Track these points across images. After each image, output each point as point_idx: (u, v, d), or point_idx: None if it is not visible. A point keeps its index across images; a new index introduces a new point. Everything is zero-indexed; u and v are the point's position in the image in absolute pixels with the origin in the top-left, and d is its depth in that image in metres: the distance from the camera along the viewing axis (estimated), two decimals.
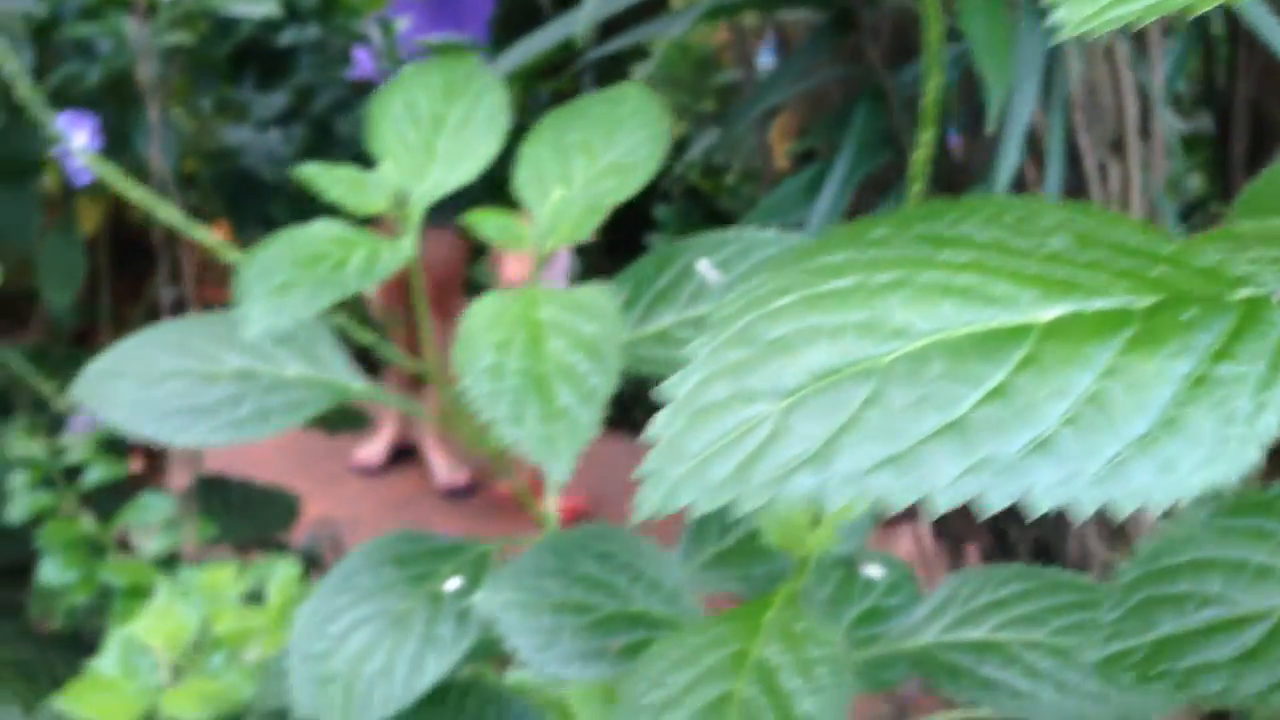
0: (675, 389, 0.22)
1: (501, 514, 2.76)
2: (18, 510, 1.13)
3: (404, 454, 3.01)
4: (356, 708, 0.43)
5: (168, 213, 0.54)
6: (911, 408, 0.20)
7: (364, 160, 0.49)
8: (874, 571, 0.47)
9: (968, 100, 0.94)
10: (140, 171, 1.52)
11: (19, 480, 1.14)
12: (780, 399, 0.21)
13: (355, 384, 0.47)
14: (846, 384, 0.21)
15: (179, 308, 2.67)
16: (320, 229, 0.41)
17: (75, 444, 1.17)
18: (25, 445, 1.15)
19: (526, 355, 0.39)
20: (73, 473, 1.18)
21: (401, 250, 0.41)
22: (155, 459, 1.94)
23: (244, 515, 1.80)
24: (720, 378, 0.22)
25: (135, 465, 1.74)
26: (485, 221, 0.43)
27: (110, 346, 1.58)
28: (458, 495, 2.86)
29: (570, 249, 2.56)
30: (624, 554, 0.43)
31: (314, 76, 1.71)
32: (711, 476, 0.21)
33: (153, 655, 0.93)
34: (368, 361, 2.93)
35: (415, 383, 3.00)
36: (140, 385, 0.47)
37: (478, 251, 2.81)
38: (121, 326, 2.03)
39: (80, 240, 1.58)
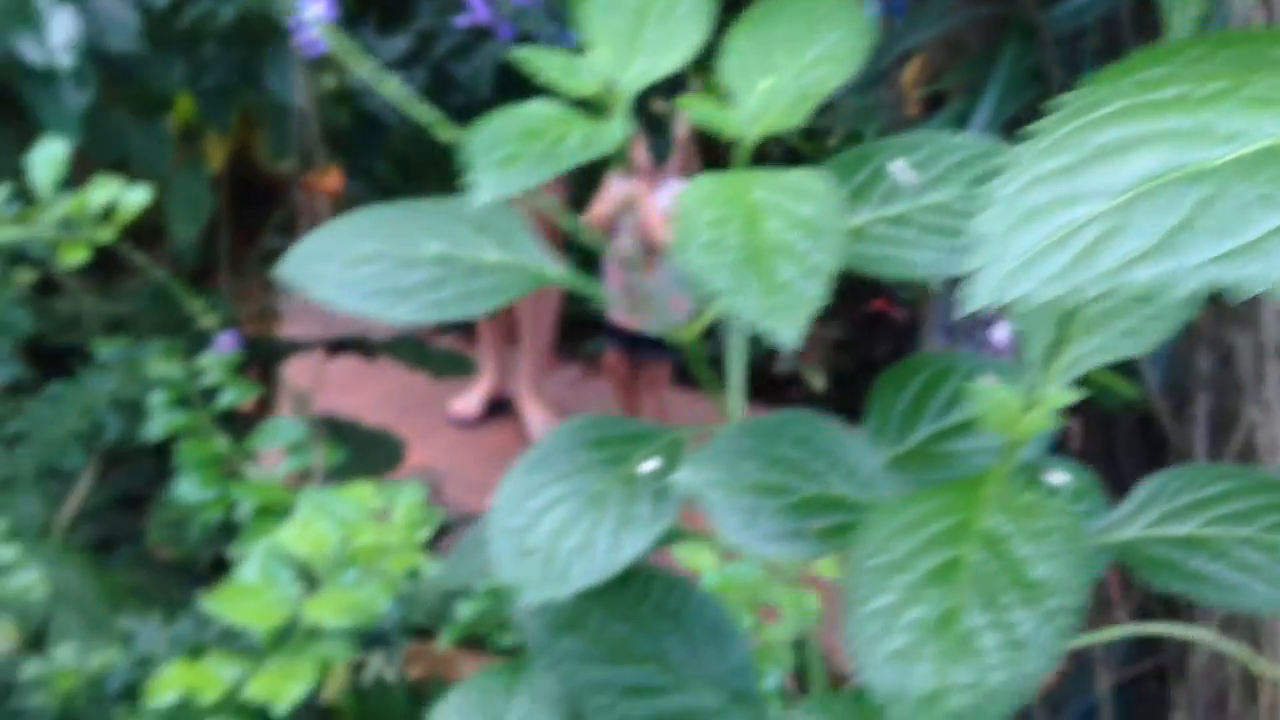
0: (999, 190, 0.22)
1: None
2: (156, 428, 1.17)
3: (499, 407, 3.05)
4: (555, 578, 0.44)
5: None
6: (1248, 207, 0.20)
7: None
8: (1058, 478, 0.47)
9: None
10: (271, 110, 1.55)
11: (158, 399, 1.18)
12: (1110, 200, 0.21)
13: (552, 270, 0.48)
14: (1178, 186, 0.21)
15: (267, 262, 2.71)
16: (539, 108, 0.42)
17: (211, 366, 1.21)
18: (164, 366, 1.18)
19: (743, 233, 0.40)
20: (208, 395, 1.21)
21: (614, 132, 0.42)
22: (265, 397, 1.99)
23: (352, 455, 1.83)
24: (1045, 182, 0.22)
25: (245, 404, 1.78)
26: (695, 106, 0.44)
27: (228, 286, 1.62)
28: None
29: (683, 181, 2.56)
30: (820, 440, 0.44)
31: (434, 21, 1.73)
32: (1044, 270, 0.21)
33: (292, 566, 0.96)
34: (466, 323, 2.90)
35: (510, 336, 3.03)
36: (344, 267, 0.48)
37: (575, 204, 2.83)
38: (239, 268, 2.08)
39: (207, 176, 1.62)
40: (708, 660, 0.49)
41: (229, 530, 1.61)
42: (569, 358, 3.16)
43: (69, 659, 0.99)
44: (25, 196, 0.98)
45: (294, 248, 0.49)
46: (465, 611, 1.03)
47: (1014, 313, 0.44)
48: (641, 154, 2.49)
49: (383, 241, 0.49)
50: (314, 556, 0.93)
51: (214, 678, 0.93)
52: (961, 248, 0.46)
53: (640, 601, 0.49)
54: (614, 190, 2.52)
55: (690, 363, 0.49)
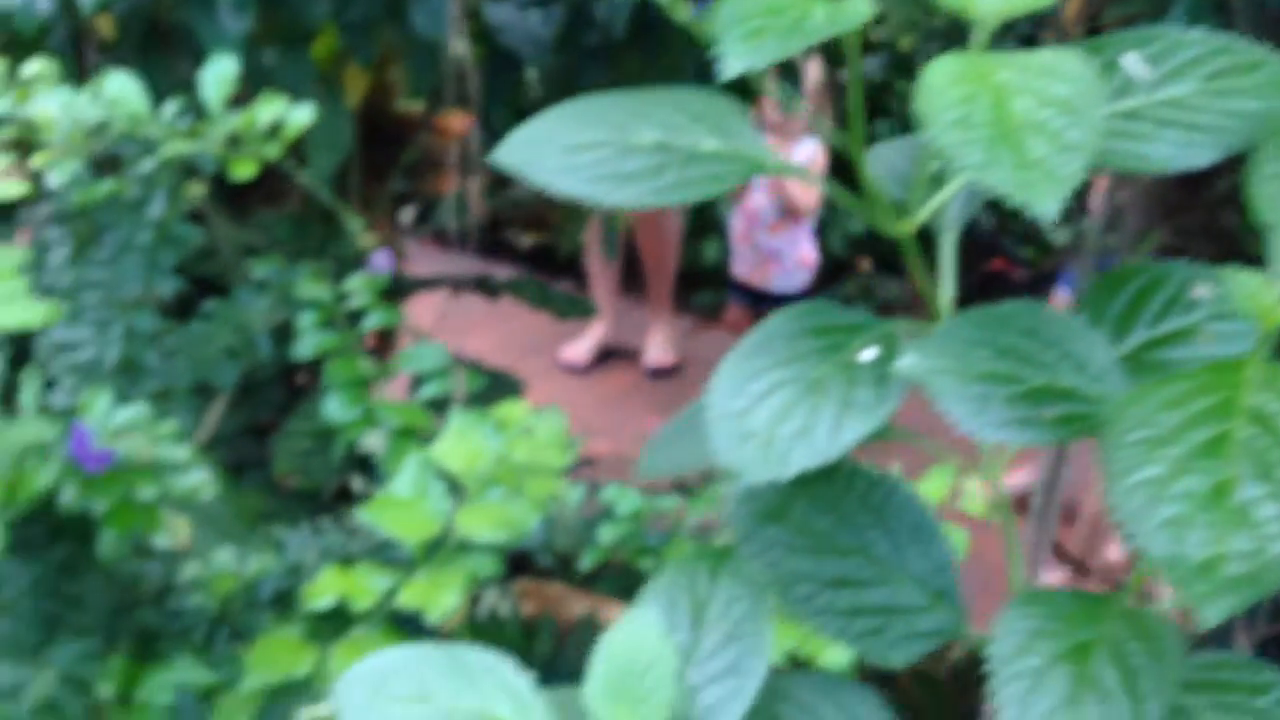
0: None
1: None
2: (305, 347, 1.20)
3: (607, 355, 3.07)
4: (774, 462, 0.44)
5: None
6: None
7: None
8: None
9: None
10: (414, 47, 1.57)
11: (307, 319, 1.21)
12: None
13: (770, 160, 0.48)
14: None
15: (406, 199, 2.75)
16: None
17: (357, 290, 1.23)
18: (313, 288, 1.21)
19: (992, 110, 0.39)
20: (353, 317, 1.24)
21: (858, 8, 0.41)
22: (387, 336, 2.03)
23: (475, 394, 1.85)
24: None
25: (368, 342, 1.82)
26: None
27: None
28: (662, 375, 2.96)
29: (822, 146, 2.54)
30: (1050, 331, 0.43)
31: None
32: None
33: (443, 481, 0.98)
34: (574, 271, 2.93)
35: (622, 286, 3.05)
36: (563, 153, 0.49)
37: None
38: (367, 206, 2.11)
39: (347, 110, 1.64)
40: (910, 558, 0.49)
41: (354, 461, 1.65)
42: (682, 310, 3.16)
43: (228, 563, 1.03)
44: (196, 112, 1.01)
45: (513, 133, 0.50)
46: (607, 536, 1.04)
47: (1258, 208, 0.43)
48: (772, 109, 2.47)
49: (600, 130, 0.49)
50: (466, 472, 0.94)
51: (366, 586, 0.96)
52: (1198, 143, 0.45)
53: (845, 495, 0.49)
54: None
55: (905, 258, 0.49)
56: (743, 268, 2.70)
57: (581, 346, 2.98)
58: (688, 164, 0.48)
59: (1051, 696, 0.41)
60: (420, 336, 1.75)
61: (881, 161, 0.52)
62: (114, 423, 0.88)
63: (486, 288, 2.03)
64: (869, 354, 0.45)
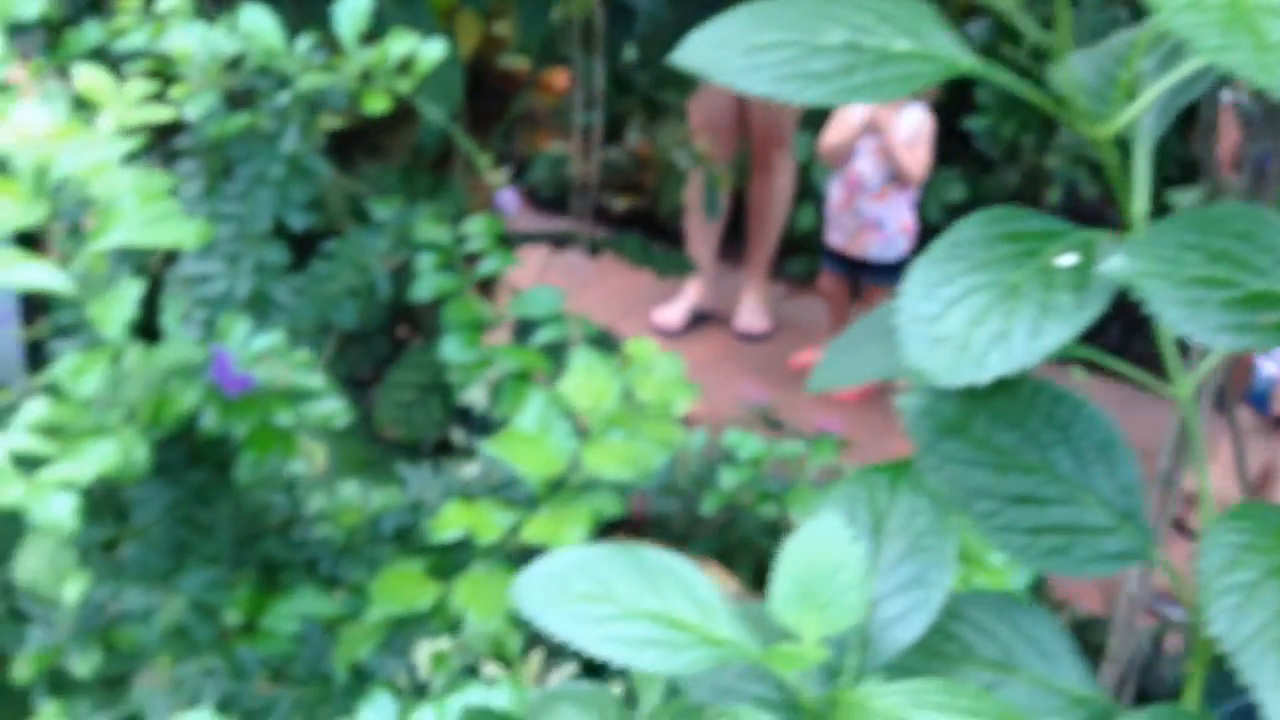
0: None
1: (802, 381, 2.78)
2: (423, 289, 1.21)
3: (701, 319, 3.06)
4: (969, 366, 0.43)
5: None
6: None
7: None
8: None
9: None
10: None
11: (426, 261, 1.21)
12: None
13: (964, 59, 0.47)
14: None
15: (505, 159, 2.76)
16: None
17: (475, 234, 1.23)
18: (432, 230, 1.22)
19: None
20: (471, 260, 1.24)
21: None
22: (485, 289, 2.03)
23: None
24: None
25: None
26: None
27: (461, 179, 1.64)
28: (753, 339, 2.95)
29: (927, 111, 2.50)
30: (1267, 236, 0.42)
31: None
32: None
33: (567, 419, 0.98)
34: (669, 236, 2.92)
35: (720, 251, 3.03)
36: (747, 53, 0.48)
37: (808, 120, 2.79)
38: (471, 162, 2.12)
39: (460, 59, 1.64)
40: (1095, 477, 0.48)
41: (456, 414, 1.66)
42: (774, 276, 3.14)
43: (353, 496, 1.04)
44: (329, 48, 1.01)
45: (693, 34, 0.49)
46: (728, 480, 1.03)
47: None
48: None
49: (784, 30, 0.48)
50: (592, 409, 0.94)
51: (490, 521, 0.96)
52: None
53: (1028, 411, 0.48)
54: (853, 113, 2.48)
55: (1102, 163, 0.47)
56: (839, 236, 2.67)
57: (675, 310, 2.97)
58: (879, 64, 0.46)
59: (1265, 610, 0.39)
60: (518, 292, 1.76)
61: (1074, 70, 0.50)
62: (252, 349, 0.89)
63: (588, 243, 2.03)
64: (1068, 259, 0.44)
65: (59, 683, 1.02)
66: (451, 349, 1.19)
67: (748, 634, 0.43)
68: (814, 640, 0.43)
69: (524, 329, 1.31)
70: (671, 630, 0.43)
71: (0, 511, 0.90)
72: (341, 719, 0.86)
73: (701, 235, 2.91)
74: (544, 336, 1.22)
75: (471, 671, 0.98)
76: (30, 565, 1.00)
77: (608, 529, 1.44)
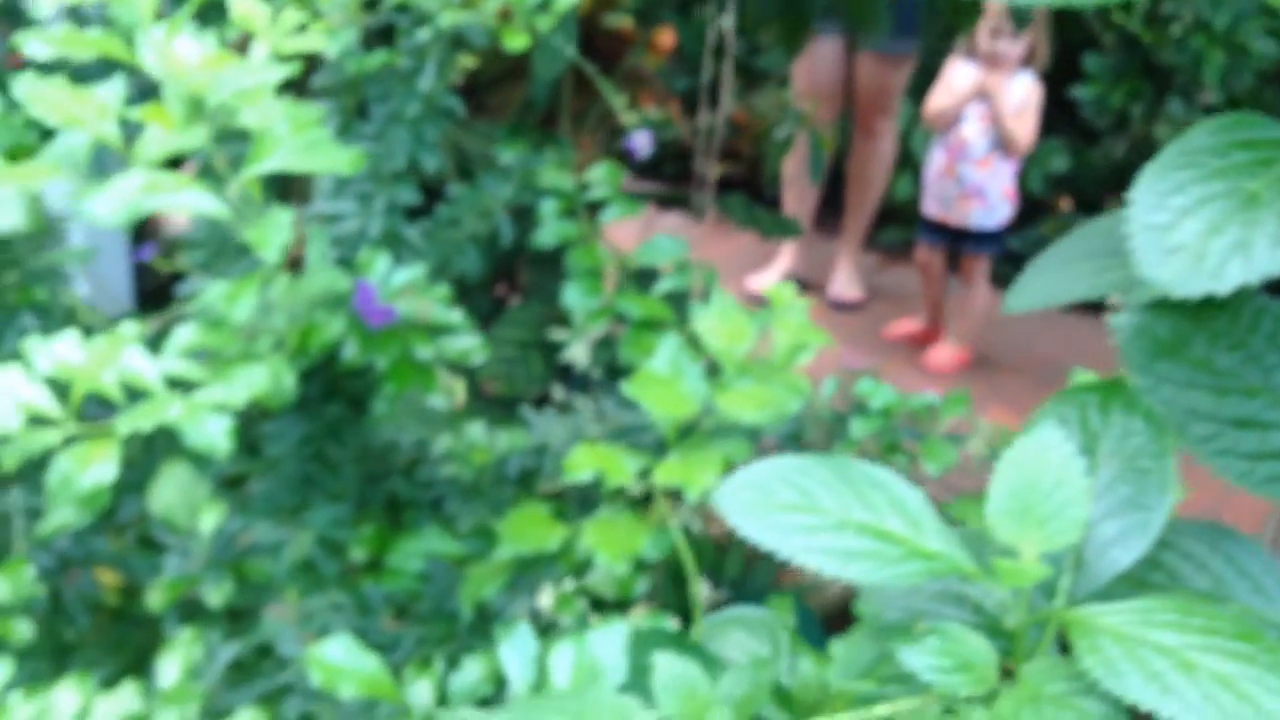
0: None
1: (895, 351, 2.74)
2: (546, 235, 1.20)
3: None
4: (1206, 276, 0.41)
5: None
6: None
7: None
8: None
9: None
10: None
11: (549, 208, 1.21)
12: None
13: None
14: None
15: (603, 121, 2.74)
16: None
17: (598, 181, 1.23)
18: (556, 176, 1.21)
19: None
20: (594, 208, 1.24)
21: None
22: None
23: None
24: None
25: None
26: None
27: (568, 136, 1.62)
28: (845, 309, 2.93)
29: (1037, 79, 2.44)
30: None
31: None
32: None
33: (698, 363, 0.97)
34: (764, 203, 2.89)
35: (814, 218, 3.00)
36: None
37: (924, 74, 2.74)
38: (578, 121, 2.11)
39: (574, 15, 1.63)
40: None
41: (557, 371, 1.66)
42: (868, 246, 3.10)
43: (480, 436, 1.04)
44: None
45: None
46: (859, 429, 1.02)
47: None
48: (985, 39, 2.38)
49: None
50: (726, 351, 0.93)
51: (620, 464, 0.96)
52: None
53: (1250, 332, 0.46)
54: (961, 78, 2.43)
55: None
56: (936, 205, 2.62)
57: (769, 277, 2.95)
58: None
59: None
60: (618, 252, 1.75)
61: None
62: (392, 283, 0.89)
63: (693, 204, 2.02)
64: None
65: (190, 613, 1.03)
66: (573, 296, 1.19)
67: (960, 549, 0.42)
68: (1033, 557, 0.41)
69: (644, 279, 1.30)
70: (881, 542, 0.42)
71: (149, 435, 0.91)
72: (468, 656, 0.86)
73: (798, 202, 2.88)
74: (666, 285, 1.21)
75: (598, 612, 0.98)
76: (165, 496, 1.01)
77: None
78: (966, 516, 1.02)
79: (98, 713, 0.84)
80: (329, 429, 0.99)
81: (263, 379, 0.77)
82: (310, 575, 1.05)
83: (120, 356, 0.74)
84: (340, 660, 0.82)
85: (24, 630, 0.97)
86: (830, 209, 3.01)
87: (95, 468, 0.72)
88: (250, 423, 1.08)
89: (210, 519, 0.98)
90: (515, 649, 0.80)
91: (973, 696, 0.41)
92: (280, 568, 1.03)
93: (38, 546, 0.97)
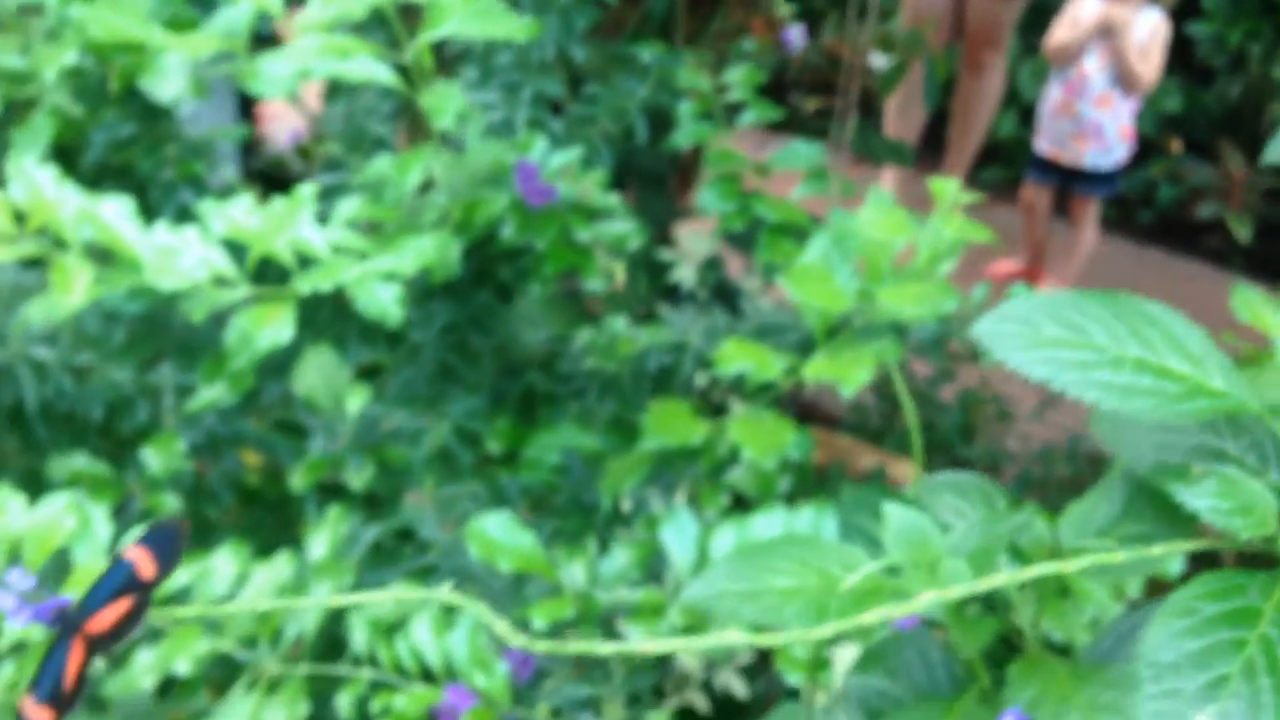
0: None
1: (994, 292, 2.69)
2: (683, 137, 1.18)
3: None
4: None
5: None
6: None
7: None
8: None
9: None
10: None
11: (686, 109, 1.19)
12: None
13: None
14: None
15: (716, 42, 2.70)
16: None
17: (736, 83, 1.20)
18: (694, 77, 1.19)
19: None
20: (732, 111, 1.22)
21: None
22: (688, 170, 2.01)
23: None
24: None
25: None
26: None
27: (681, 52, 1.56)
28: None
29: (1165, 15, 2.36)
30: None
31: None
32: None
33: (851, 260, 0.95)
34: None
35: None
36: None
37: (1035, 10, 2.67)
38: (692, 41, 2.08)
39: None
40: None
41: (663, 291, 1.65)
42: (970, 185, 3.04)
43: (623, 330, 1.03)
44: None
45: None
46: None
47: None
48: None
49: None
50: (883, 246, 0.91)
51: (769, 359, 0.94)
52: None
53: None
54: (1087, 11, 2.35)
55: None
56: (1050, 142, 2.55)
57: None
58: None
59: None
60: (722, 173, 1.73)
61: None
62: (551, 165, 0.88)
63: (806, 127, 1.98)
64: None
65: (329, 496, 1.04)
66: (711, 198, 1.17)
67: (1246, 389, 0.40)
68: None
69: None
70: (1161, 379, 0.40)
71: (317, 298, 0.91)
72: (616, 543, 0.86)
73: (899, 137, 2.82)
74: (804, 191, 1.19)
75: (738, 507, 0.97)
76: (308, 379, 1.02)
77: (801, 417, 1.42)
78: None
79: (255, 579, 0.84)
80: (474, 318, 0.99)
81: (431, 249, 0.76)
82: (447, 465, 1.05)
83: (296, 222, 0.74)
84: (499, 535, 0.82)
85: (171, 504, 0.98)
86: (931, 147, 2.95)
87: (272, 328, 0.72)
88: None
89: (356, 402, 0.99)
90: (677, 531, 0.80)
91: (1252, 539, 0.40)
92: (419, 455, 1.04)
93: (187, 423, 0.98)
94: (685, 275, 1.48)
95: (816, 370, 0.92)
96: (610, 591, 0.79)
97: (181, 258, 0.70)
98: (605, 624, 0.81)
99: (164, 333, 1.01)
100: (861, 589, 0.46)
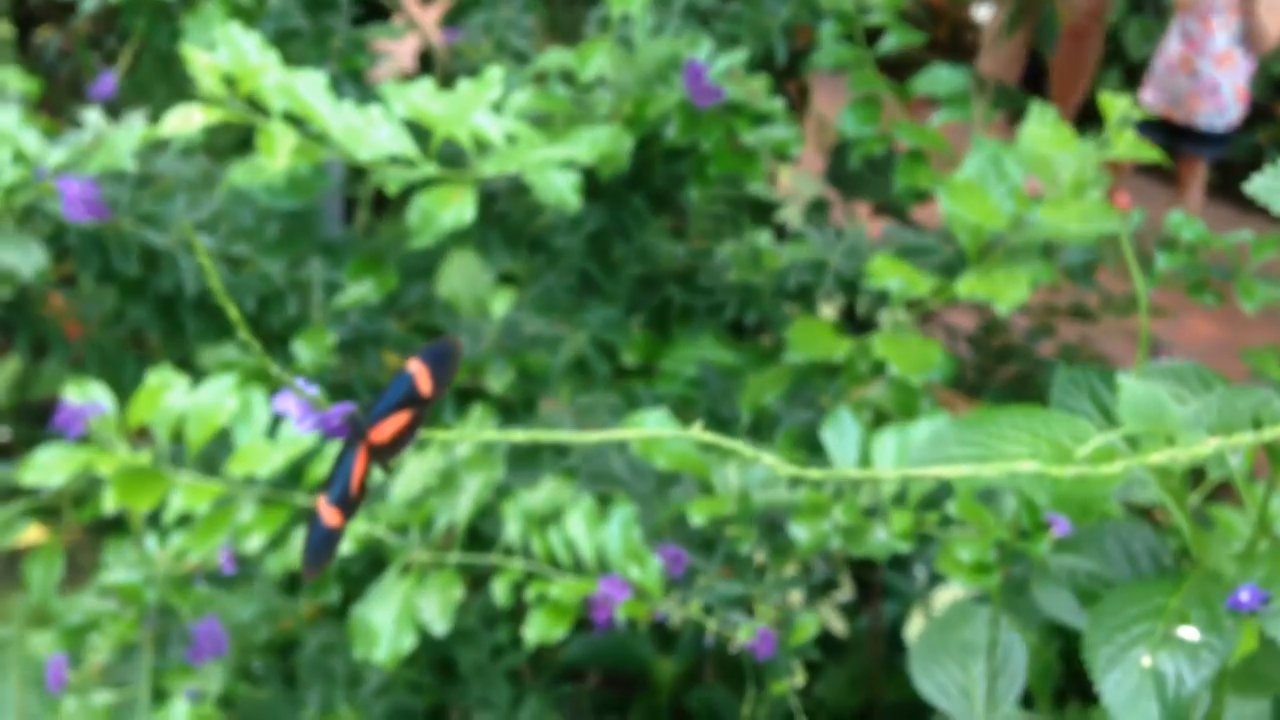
0: None
1: None
2: (825, 56, 1.17)
3: None
4: None
5: None
6: None
7: None
8: None
9: None
10: None
11: (827, 30, 1.17)
12: None
13: None
14: None
15: None
16: None
17: (878, 5, 1.19)
18: (836, 0, 1.17)
19: None
20: (872, 35, 1.20)
21: None
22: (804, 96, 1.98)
23: None
24: None
25: None
26: None
27: None
28: None
29: None
30: None
31: None
32: None
33: (1010, 176, 0.93)
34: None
35: None
36: None
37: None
38: None
39: None
40: None
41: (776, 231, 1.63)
42: None
43: (765, 243, 1.03)
44: None
45: None
46: (1164, 263, 0.97)
47: None
48: None
49: None
50: (1046, 161, 0.89)
51: (918, 276, 0.94)
52: None
53: None
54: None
55: None
56: (1162, 99, 2.49)
57: None
58: None
59: None
60: (822, 120, 1.71)
61: None
62: (717, 66, 0.87)
63: (910, 70, 1.95)
64: None
65: (465, 400, 1.05)
66: (850, 122, 1.15)
67: None
68: None
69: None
70: None
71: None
72: (766, 448, 0.85)
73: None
74: (944, 117, 1.17)
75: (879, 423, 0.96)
76: (452, 282, 1.03)
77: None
78: (1267, 366, 0.98)
79: (407, 469, 0.86)
80: (622, 225, 0.99)
81: (606, 139, 0.76)
82: (583, 374, 1.06)
83: (478, 107, 0.74)
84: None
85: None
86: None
87: (454, 208, 0.73)
88: (530, 217, 1.08)
89: (500, 305, 0.99)
90: (838, 432, 0.80)
91: None
92: (557, 363, 1.04)
93: (332, 320, 1.00)
94: (791, 215, 1.47)
95: (969, 287, 0.91)
96: (768, 491, 0.79)
97: (371, 132, 0.70)
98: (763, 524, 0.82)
99: (312, 231, 1.03)
100: (1095, 458, 0.46)
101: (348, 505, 0.43)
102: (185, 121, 0.68)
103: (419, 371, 0.43)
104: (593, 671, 1.44)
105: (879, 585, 1.44)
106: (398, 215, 1.32)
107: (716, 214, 1.73)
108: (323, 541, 0.43)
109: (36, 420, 1.65)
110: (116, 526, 0.96)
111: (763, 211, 1.61)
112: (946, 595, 1.48)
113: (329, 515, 0.43)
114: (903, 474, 0.43)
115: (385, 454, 0.43)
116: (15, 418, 1.59)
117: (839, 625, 1.42)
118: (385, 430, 0.43)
